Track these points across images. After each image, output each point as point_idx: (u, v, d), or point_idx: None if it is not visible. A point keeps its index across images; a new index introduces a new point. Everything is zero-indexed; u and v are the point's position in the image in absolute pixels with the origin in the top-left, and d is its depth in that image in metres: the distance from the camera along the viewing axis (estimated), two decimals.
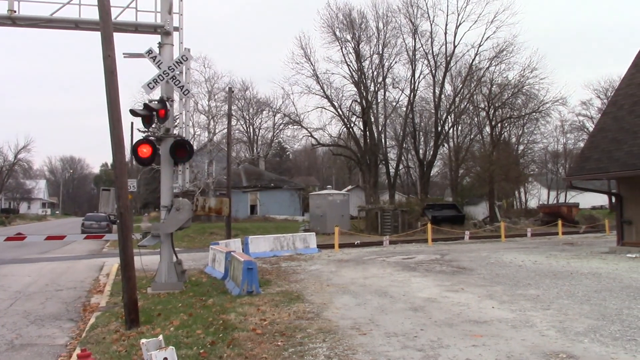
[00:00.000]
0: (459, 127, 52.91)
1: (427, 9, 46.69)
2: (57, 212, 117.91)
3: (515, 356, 7.13)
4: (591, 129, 41.08)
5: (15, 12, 13.13)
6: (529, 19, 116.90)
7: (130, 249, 9.55)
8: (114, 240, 25.52)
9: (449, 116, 48.74)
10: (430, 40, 47.35)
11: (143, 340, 5.67)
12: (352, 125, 49.89)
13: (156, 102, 13.38)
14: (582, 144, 46.37)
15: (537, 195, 68.58)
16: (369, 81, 48.37)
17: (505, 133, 53.34)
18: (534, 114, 49.51)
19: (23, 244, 29.33)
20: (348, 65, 48.01)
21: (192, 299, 12.09)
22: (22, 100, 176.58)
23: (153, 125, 13.50)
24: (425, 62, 48.12)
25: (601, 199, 64.94)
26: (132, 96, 54.25)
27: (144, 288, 13.54)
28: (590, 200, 62.75)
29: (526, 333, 8.34)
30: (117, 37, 10.45)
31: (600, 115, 29.65)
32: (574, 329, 8.56)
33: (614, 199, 28.78)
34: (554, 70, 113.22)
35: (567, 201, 60.15)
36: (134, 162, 30.36)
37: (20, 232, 30.41)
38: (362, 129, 49.03)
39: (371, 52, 48.17)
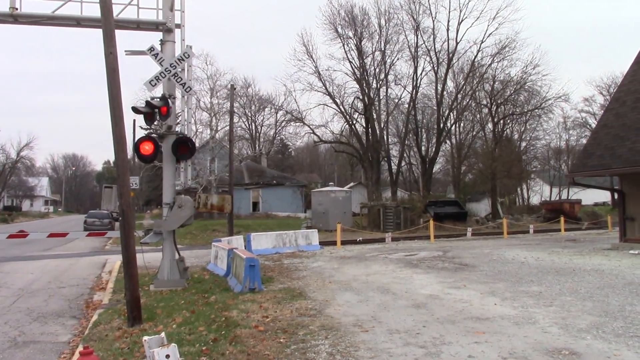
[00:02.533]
0: (461, 124, 52.87)
1: (429, 5, 46.60)
2: (60, 209, 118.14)
3: (518, 353, 7.13)
4: (594, 126, 41.01)
5: (17, 9, 13.15)
6: (531, 15, 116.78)
7: (132, 246, 9.56)
8: (117, 237, 25.58)
9: (451, 113, 48.68)
10: (432, 36, 47.27)
11: (145, 338, 5.67)
12: (354, 122, 49.87)
13: (158, 100, 13.39)
14: (584, 141, 46.35)
15: (539, 192, 68.41)
16: (371, 78, 48.34)
17: (508, 130, 53.32)
18: (537, 110, 49.44)
19: (26, 241, 29.40)
20: (350, 62, 48.00)
21: (195, 296, 12.10)
22: (24, 97, 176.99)
23: (155, 123, 13.49)
24: (428, 58, 48.08)
25: (604, 196, 64.80)
26: (134, 93, 54.37)
27: (147, 285, 13.56)
28: (593, 196, 62.60)
29: (529, 330, 8.34)
30: (119, 34, 10.46)
31: (602, 111, 29.60)
32: (576, 325, 8.55)
33: (616, 196, 28.72)
34: (557, 67, 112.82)
35: (569, 198, 60.06)
36: (136, 160, 30.35)
37: (22, 229, 30.46)
38: (364, 126, 49.00)
39: (373, 49, 48.15)
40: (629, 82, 22.26)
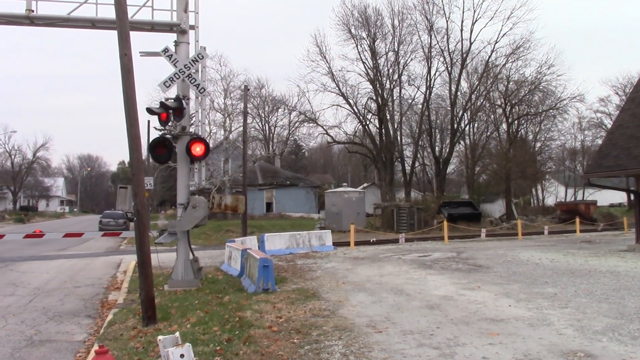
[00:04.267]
0: (475, 125, 52.61)
1: (443, 5, 46.41)
2: (75, 209, 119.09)
3: (533, 355, 7.09)
4: (609, 126, 40.68)
5: (33, 11, 13.25)
6: (546, 15, 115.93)
7: (147, 246, 9.61)
8: (131, 237, 25.71)
9: (465, 113, 48.48)
10: (446, 37, 47.10)
11: (160, 337, 5.71)
12: (367, 122, 49.80)
13: (172, 101, 13.46)
14: (600, 141, 45.88)
15: (554, 193, 67.95)
16: (385, 78, 48.24)
17: (522, 130, 52.95)
18: (551, 111, 49.08)
19: (42, 241, 29.70)
20: (363, 62, 47.94)
21: (209, 296, 12.14)
22: (40, 99, 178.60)
23: (169, 124, 13.56)
24: (441, 59, 47.90)
25: (619, 197, 64.20)
26: (148, 94, 54.70)
27: (161, 285, 13.63)
28: (609, 197, 62.07)
29: (543, 332, 8.29)
30: (134, 35, 10.51)
31: (618, 112, 29.32)
32: (592, 327, 8.48)
33: (632, 197, 28.44)
34: (572, 67, 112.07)
35: (584, 199, 59.59)
36: (151, 160, 30.51)
37: (38, 229, 30.77)
38: (377, 126, 48.92)
39: (387, 50, 48.04)
40: None
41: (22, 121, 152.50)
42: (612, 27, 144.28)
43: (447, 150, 49.93)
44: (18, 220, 65.72)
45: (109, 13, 11.80)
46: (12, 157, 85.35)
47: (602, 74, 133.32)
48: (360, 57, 47.81)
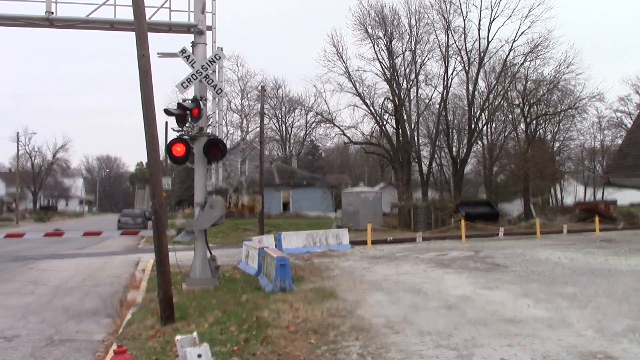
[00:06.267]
0: (493, 124, 52.12)
1: (460, 4, 45.98)
2: (94, 209, 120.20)
3: (552, 356, 7.03)
4: (629, 125, 40.20)
5: (52, 13, 13.39)
6: (564, 13, 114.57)
7: (165, 245, 9.66)
8: (149, 236, 25.90)
9: (482, 113, 48.09)
10: (463, 36, 46.72)
11: (178, 337, 5.74)
12: (384, 123, 49.58)
13: (190, 102, 13.51)
14: (619, 141, 45.33)
15: (573, 193, 67.30)
16: (402, 78, 47.99)
17: (541, 130, 52.41)
18: (570, 110, 48.49)
19: (62, 239, 30.05)
20: (380, 62, 47.72)
21: (226, 295, 12.18)
22: (59, 100, 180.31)
23: (187, 124, 13.60)
24: (459, 58, 47.51)
25: None
26: (165, 95, 55.13)
27: (179, 284, 13.69)
28: (629, 197, 61.34)
29: (563, 333, 8.21)
30: (151, 36, 10.57)
31: (639, 111, 28.96)
32: (612, 329, 8.39)
33: None
34: (591, 65, 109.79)
35: (604, 198, 58.94)
36: (168, 161, 30.68)
37: (58, 228, 31.08)
38: (394, 126, 48.68)
39: (403, 49, 47.76)
40: None
41: (41, 123, 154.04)
42: (632, 24, 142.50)
43: (465, 150, 49.57)
44: (38, 219, 66.51)
45: (127, 14, 11.89)
46: (33, 158, 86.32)
47: (622, 73, 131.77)
48: (377, 56, 47.64)
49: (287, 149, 70.59)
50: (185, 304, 11.13)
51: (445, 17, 46.23)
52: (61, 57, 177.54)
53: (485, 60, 47.14)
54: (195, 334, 5.79)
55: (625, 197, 58.08)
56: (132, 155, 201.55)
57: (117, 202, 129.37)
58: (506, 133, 51.34)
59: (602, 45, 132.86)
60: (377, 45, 47.56)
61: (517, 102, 48.71)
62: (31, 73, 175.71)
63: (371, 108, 48.49)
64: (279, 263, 12.59)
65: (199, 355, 5.45)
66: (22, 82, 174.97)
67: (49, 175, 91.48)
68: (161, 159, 32.09)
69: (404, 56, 47.82)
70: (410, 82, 48.16)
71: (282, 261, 12.64)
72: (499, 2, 46.45)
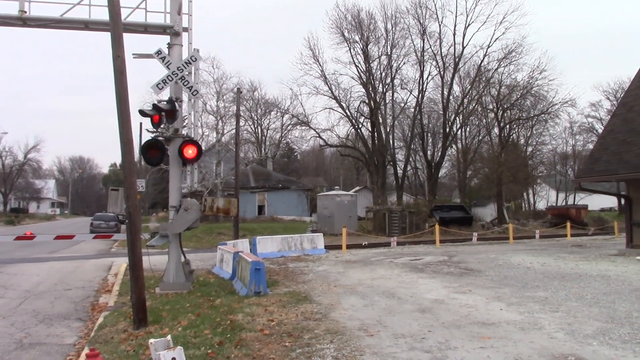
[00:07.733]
0: (467, 129, 52.74)
1: (436, 10, 46.49)
2: (66, 211, 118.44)
3: (524, 358, 7.11)
4: (600, 131, 40.90)
5: (25, 12, 13.22)
6: (538, 20, 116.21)
7: (138, 249, 9.58)
8: (123, 240, 25.66)
9: (457, 117, 48.56)
10: (438, 41, 47.17)
11: (151, 340, 5.69)
12: (360, 126, 49.83)
13: (165, 103, 13.42)
14: (591, 146, 46.13)
15: (545, 197, 68.27)
16: (377, 82, 48.27)
17: (514, 134, 53.11)
18: (543, 115, 49.22)
19: (32, 243, 29.50)
20: (356, 66, 47.95)
21: (200, 299, 12.11)
22: (32, 100, 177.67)
23: (162, 126, 13.52)
24: (434, 63, 47.95)
25: (610, 201, 64.62)
26: (140, 96, 54.54)
27: (152, 288, 13.59)
28: (600, 202, 62.45)
29: (534, 335, 8.32)
30: (127, 37, 10.50)
31: (609, 117, 29.50)
32: (582, 331, 8.52)
33: (623, 201, 28.60)
34: (563, 72, 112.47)
35: (575, 203, 59.86)
36: (143, 162, 30.42)
37: (29, 231, 30.53)
38: (370, 130, 48.93)
39: (379, 53, 48.06)
40: (636, 87, 22.20)
41: (13, 123, 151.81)
42: (603, 32, 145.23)
43: (439, 154, 49.98)
44: (8, 222, 65.29)
45: (102, 15, 11.80)
46: (3, 158, 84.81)
47: (594, 79, 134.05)
48: (353, 60, 47.86)
49: (263, 151, 70.44)
50: (159, 308, 11.04)
51: (421, 22, 46.67)
52: (35, 57, 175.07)
53: (460, 65, 47.69)
54: (169, 337, 5.75)
55: (596, 202, 59.06)
56: (106, 156, 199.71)
57: (90, 205, 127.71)
58: (480, 137, 51.98)
59: (574, 52, 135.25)
60: (354, 49, 47.83)
61: (491, 106, 49.28)
62: (3, 72, 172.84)
63: (347, 111, 48.68)
64: (254, 267, 12.55)
65: (173, 359, 5.41)
66: None
67: (20, 176, 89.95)
68: (135, 160, 31.82)
69: (379, 60, 48.15)
70: (386, 86, 48.48)
71: (257, 265, 12.61)
72: (474, 8, 47.07)
